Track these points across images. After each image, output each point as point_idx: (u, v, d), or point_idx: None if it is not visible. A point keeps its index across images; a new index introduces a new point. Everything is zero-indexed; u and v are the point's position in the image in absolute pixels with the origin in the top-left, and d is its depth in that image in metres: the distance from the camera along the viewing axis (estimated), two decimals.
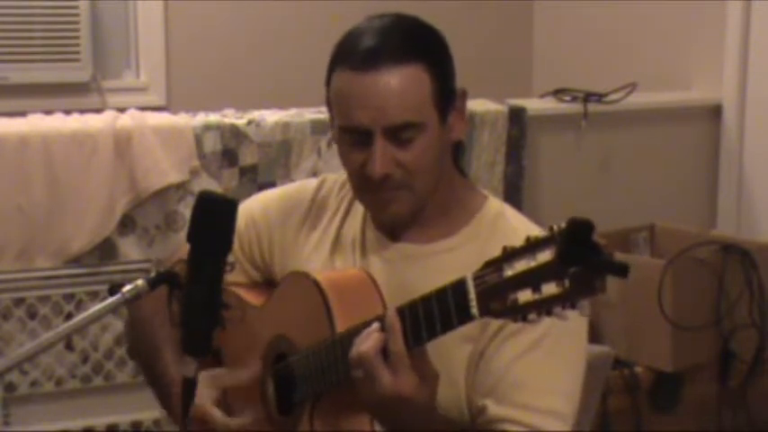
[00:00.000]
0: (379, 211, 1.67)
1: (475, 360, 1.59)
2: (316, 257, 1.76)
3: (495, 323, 1.57)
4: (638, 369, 3.13)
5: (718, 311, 3.15)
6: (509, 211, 1.70)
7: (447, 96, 1.62)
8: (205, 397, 1.69)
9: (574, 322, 1.59)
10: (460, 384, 1.60)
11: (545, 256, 1.24)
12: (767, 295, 3.19)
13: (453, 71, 1.65)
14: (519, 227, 1.64)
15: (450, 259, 1.62)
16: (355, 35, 1.61)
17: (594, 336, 3.17)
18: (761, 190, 3.83)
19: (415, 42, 1.61)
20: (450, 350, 1.57)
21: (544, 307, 1.25)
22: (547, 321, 1.53)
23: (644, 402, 3.13)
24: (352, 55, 1.59)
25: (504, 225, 1.65)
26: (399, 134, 1.58)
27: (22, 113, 2.98)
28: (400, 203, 1.63)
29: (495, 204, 1.71)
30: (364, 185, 1.63)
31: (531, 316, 1.27)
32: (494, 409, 1.56)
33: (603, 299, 3.10)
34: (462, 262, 1.38)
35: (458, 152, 1.72)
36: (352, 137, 1.61)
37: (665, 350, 3.08)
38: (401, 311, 1.44)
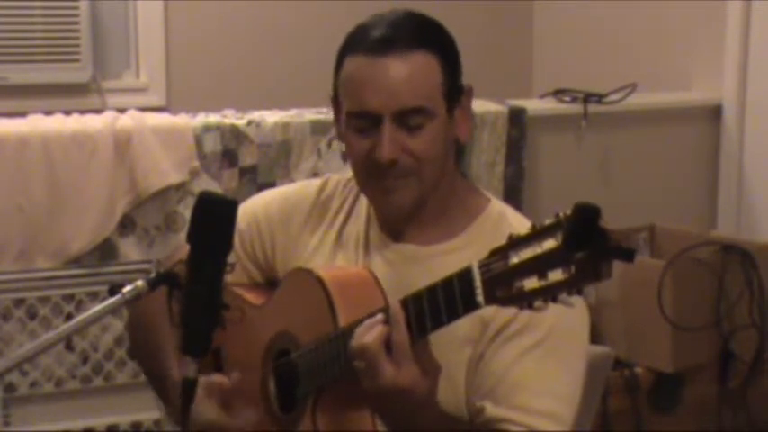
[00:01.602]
0: (383, 199, 1.66)
1: (475, 362, 1.59)
2: (318, 257, 1.76)
3: (495, 325, 1.58)
4: (638, 369, 3.13)
5: (718, 312, 3.15)
6: (510, 213, 1.71)
7: (455, 90, 1.64)
8: (208, 409, 1.69)
9: (575, 324, 1.60)
10: (460, 386, 1.60)
11: (551, 242, 1.24)
12: (767, 295, 3.19)
13: (461, 67, 1.67)
14: (521, 229, 1.63)
15: (452, 261, 1.60)
16: (368, 25, 1.63)
17: (594, 336, 3.16)
18: (761, 190, 3.83)
19: (427, 33, 1.63)
20: (451, 352, 1.57)
21: (550, 293, 1.25)
22: (548, 323, 1.55)
23: (644, 403, 3.13)
24: (365, 41, 1.60)
25: (507, 227, 1.64)
26: (408, 120, 1.59)
27: (22, 114, 2.98)
28: (406, 191, 1.62)
29: (497, 206, 1.71)
30: (370, 173, 1.63)
31: (538, 303, 1.27)
32: (492, 410, 1.57)
33: (604, 299, 3.13)
34: (464, 264, 1.38)
35: (459, 155, 1.73)
36: (361, 122, 1.61)
37: (665, 350, 3.08)
38: (405, 302, 1.45)
